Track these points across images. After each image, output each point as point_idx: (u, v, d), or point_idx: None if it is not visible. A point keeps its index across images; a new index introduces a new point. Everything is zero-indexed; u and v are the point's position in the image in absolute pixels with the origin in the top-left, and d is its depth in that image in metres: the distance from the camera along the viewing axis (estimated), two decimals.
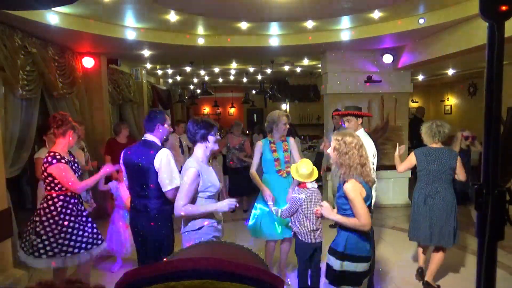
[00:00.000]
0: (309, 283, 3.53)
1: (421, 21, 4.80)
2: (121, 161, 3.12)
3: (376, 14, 4.88)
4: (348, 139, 2.53)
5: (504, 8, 0.86)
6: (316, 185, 3.41)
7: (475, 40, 4.62)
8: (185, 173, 2.67)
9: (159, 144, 3.06)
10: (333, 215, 2.62)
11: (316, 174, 3.35)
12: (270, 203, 3.60)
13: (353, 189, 2.45)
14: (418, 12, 4.88)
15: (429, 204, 3.73)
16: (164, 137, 3.16)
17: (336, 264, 2.55)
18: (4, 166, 4.15)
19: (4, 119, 4.23)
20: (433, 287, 3.84)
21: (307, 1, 4.25)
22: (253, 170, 3.89)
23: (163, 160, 2.90)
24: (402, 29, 5.21)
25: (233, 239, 4.85)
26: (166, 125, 3.11)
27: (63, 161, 3.20)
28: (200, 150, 2.78)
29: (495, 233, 0.89)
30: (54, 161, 3.17)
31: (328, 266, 2.64)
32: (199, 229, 2.71)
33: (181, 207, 2.63)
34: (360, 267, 2.53)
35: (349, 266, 2.52)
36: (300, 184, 3.38)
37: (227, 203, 2.67)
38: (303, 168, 3.29)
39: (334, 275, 2.57)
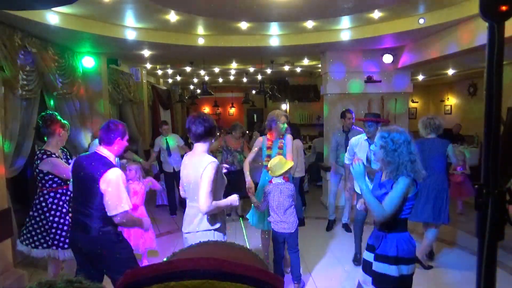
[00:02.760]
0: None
1: (421, 21, 4.80)
2: (71, 167, 2.86)
3: (376, 14, 4.88)
4: (396, 136, 2.39)
5: (504, 8, 0.86)
6: (282, 181, 3.72)
7: (475, 40, 4.63)
8: (202, 170, 2.56)
9: (112, 161, 2.71)
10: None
11: (286, 166, 3.66)
12: (249, 194, 4.01)
13: (403, 186, 2.34)
14: (418, 12, 4.87)
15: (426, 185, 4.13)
16: (120, 152, 2.83)
17: (392, 270, 2.37)
18: (4, 166, 4.16)
19: (4, 119, 4.23)
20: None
21: (307, 1, 4.26)
22: (247, 160, 4.28)
23: (111, 182, 2.55)
24: (402, 29, 5.21)
25: (233, 239, 4.86)
26: (125, 140, 2.79)
27: (53, 156, 3.36)
28: (204, 146, 2.77)
29: (495, 233, 0.89)
30: (44, 156, 3.33)
31: (382, 276, 2.41)
32: (217, 229, 2.72)
33: (210, 205, 2.55)
34: (411, 269, 2.40)
35: (404, 269, 2.38)
36: (270, 180, 3.78)
37: (237, 197, 2.79)
38: (273, 163, 3.66)
39: (393, 283, 2.37)
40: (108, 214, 2.58)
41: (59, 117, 3.45)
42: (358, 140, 4.40)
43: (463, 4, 4.45)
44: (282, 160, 3.70)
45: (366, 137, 4.31)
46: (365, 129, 4.29)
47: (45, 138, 3.46)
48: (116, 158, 2.88)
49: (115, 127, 2.73)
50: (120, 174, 2.62)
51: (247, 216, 4.36)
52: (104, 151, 2.71)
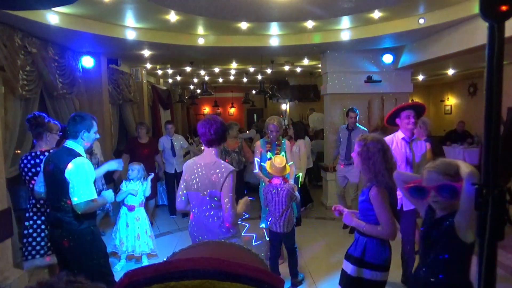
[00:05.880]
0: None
1: (421, 21, 4.80)
2: (42, 165, 2.88)
3: (376, 14, 4.88)
4: (371, 144, 2.38)
5: (504, 8, 0.86)
6: (280, 181, 3.76)
7: (475, 40, 4.62)
8: (223, 179, 2.52)
9: (80, 152, 2.72)
10: (355, 222, 2.47)
11: (287, 171, 3.74)
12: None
13: (379, 197, 2.33)
14: (418, 12, 4.87)
15: None
16: (89, 145, 2.82)
17: (352, 270, 2.43)
18: (4, 166, 4.16)
19: (4, 119, 4.23)
20: None
21: (307, 1, 4.25)
22: (257, 170, 4.29)
23: (75, 170, 2.59)
24: (402, 29, 5.21)
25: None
26: (92, 132, 2.78)
27: None
28: (218, 151, 2.72)
29: (495, 233, 0.88)
30: None
31: (343, 272, 2.53)
32: (237, 234, 2.72)
33: (236, 214, 2.56)
34: (378, 275, 2.41)
35: (366, 274, 2.39)
36: (270, 180, 3.79)
37: (247, 199, 2.83)
38: (277, 163, 3.67)
39: (349, 282, 2.45)
40: (72, 202, 2.60)
41: (46, 119, 3.32)
42: (392, 139, 3.64)
43: (463, 4, 4.45)
44: (284, 162, 3.74)
45: (402, 135, 3.63)
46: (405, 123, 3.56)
47: (39, 139, 3.32)
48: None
49: (80, 119, 2.74)
50: (85, 163, 2.65)
51: (263, 222, 4.38)
52: (70, 144, 2.73)
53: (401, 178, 2.20)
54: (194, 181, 2.63)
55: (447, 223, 1.88)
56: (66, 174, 2.60)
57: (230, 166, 2.62)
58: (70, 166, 2.59)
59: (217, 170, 2.56)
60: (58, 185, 2.65)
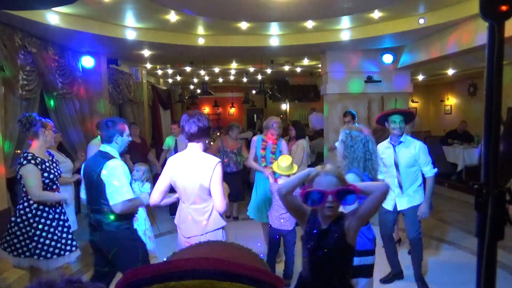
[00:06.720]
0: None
1: (421, 21, 4.80)
2: (82, 171, 2.96)
3: (376, 14, 4.88)
4: (355, 133, 2.59)
5: (504, 8, 0.86)
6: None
7: (475, 40, 4.63)
8: (212, 171, 2.55)
9: (115, 155, 2.80)
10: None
11: (295, 169, 3.81)
12: (271, 180, 4.03)
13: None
14: (418, 12, 4.88)
15: None
16: (124, 147, 2.92)
17: None
18: (4, 166, 4.16)
19: (4, 119, 4.23)
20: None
21: (307, 1, 4.25)
22: (251, 160, 4.48)
23: (111, 171, 2.67)
24: (402, 29, 5.21)
25: (233, 239, 4.85)
26: (125, 135, 2.87)
27: (32, 162, 3.08)
28: (200, 146, 2.69)
29: (495, 233, 0.88)
30: (24, 162, 3.08)
31: None
32: (224, 227, 2.74)
33: (225, 203, 2.63)
34: (365, 260, 2.45)
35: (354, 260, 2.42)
36: (276, 179, 3.90)
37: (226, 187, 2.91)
38: (283, 162, 3.76)
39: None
40: (110, 203, 2.67)
41: (38, 117, 3.21)
42: (382, 146, 3.76)
43: (463, 4, 4.45)
44: (290, 161, 3.80)
45: (389, 140, 3.75)
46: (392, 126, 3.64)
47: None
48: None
49: (112, 124, 2.83)
50: (119, 164, 2.73)
51: (248, 209, 4.54)
52: (106, 148, 2.83)
53: (286, 186, 2.03)
54: (180, 175, 2.64)
55: (339, 231, 1.85)
56: (102, 176, 2.67)
57: (216, 157, 2.68)
58: (105, 168, 2.68)
59: (204, 163, 2.59)
60: (96, 188, 2.72)
